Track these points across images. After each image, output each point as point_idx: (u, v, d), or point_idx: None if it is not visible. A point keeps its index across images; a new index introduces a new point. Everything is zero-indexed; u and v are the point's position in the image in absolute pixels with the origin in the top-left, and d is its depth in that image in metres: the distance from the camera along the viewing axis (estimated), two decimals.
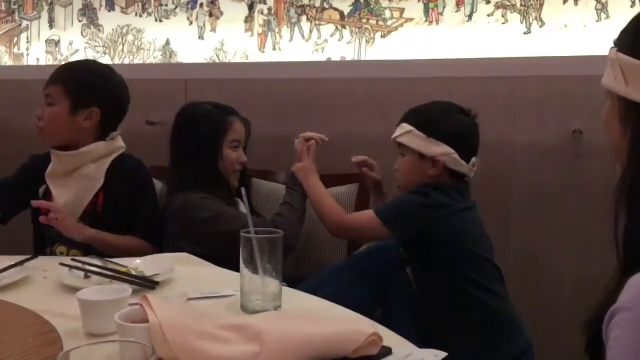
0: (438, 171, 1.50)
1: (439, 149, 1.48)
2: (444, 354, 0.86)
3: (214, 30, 2.58)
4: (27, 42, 3.01)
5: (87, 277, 1.19)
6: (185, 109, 1.74)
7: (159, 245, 1.60)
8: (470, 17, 2.11)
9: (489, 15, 2.09)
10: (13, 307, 1.02)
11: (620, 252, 0.69)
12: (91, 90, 1.60)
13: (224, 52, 2.56)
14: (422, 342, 0.92)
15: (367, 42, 2.29)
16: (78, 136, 1.59)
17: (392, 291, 1.49)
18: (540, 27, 2.03)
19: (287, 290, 1.09)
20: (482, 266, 1.47)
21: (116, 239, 1.54)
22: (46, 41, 2.97)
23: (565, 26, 2.00)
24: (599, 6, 1.95)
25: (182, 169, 1.66)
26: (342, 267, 1.52)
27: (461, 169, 1.50)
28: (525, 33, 2.05)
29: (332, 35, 2.35)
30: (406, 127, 1.52)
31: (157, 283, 1.15)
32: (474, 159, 1.51)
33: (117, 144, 1.65)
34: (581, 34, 1.97)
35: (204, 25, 2.60)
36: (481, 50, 2.08)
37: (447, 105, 1.54)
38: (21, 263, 1.24)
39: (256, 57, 2.48)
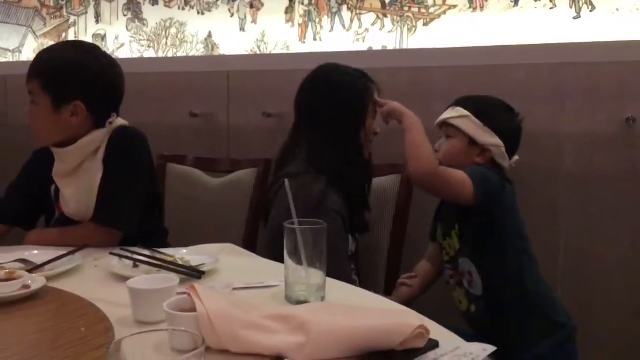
0: (484, 160, 1.52)
1: (492, 140, 1.51)
2: (493, 348, 0.84)
3: (254, 21, 2.59)
4: (75, 36, 3.09)
5: (135, 266, 1.21)
6: (325, 70, 1.58)
7: (123, 232, 1.42)
8: (516, 2, 2.05)
9: (536, 0, 2.02)
10: (68, 295, 1.05)
11: None
12: (69, 83, 1.43)
13: (265, 43, 2.56)
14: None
15: (409, 30, 2.25)
16: (70, 133, 1.44)
17: None
18: (591, 11, 1.96)
19: (331, 282, 1.08)
20: (530, 248, 1.51)
21: (61, 232, 1.44)
22: (93, 36, 3.05)
23: (617, 10, 1.92)
24: None
25: (317, 138, 1.51)
26: None
27: (504, 163, 1.54)
28: (574, 18, 1.98)
29: (373, 24, 2.32)
30: (462, 111, 1.53)
31: (203, 272, 1.16)
32: (515, 157, 1.57)
33: (116, 126, 1.48)
34: (634, 18, 1.89)
35: (245, 17, 2.61)
36: (528, 36, 2.02)
37: (501, 102, 1.58)
38: (72, 252, 1.28)
39: (297, 47, 2.48)
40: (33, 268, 1.18)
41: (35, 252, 1.31)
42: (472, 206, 1.43)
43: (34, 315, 0.97)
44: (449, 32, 2.16)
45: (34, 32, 3.25)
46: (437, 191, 1.50)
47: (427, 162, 1.44)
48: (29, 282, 1.05)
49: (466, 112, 1.52)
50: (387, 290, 1.73)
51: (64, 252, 1.26)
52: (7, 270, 1.07)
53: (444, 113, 1.57)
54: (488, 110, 1.53)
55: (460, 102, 1.56)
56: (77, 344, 0.82)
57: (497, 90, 1.63)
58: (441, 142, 1.57)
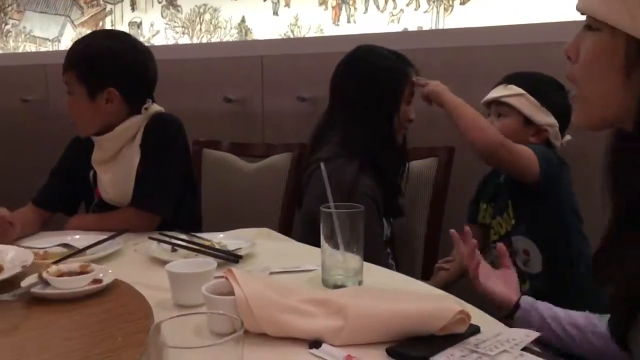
0: (539, 140, 1.48)
1: (548, 119, 1.47)
2: (536, 334, 0.82)
3: (287, 5, 2.57)
4: (112, 25, 3.13)
5: (174, 250, 1.23)
6: (362, 52, 1.55)
7: (162, 216, 1.46)
8: None
9: None
10: (130, 294, 0.99)
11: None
12: (100, 71, 1.46)
13: (298, 27, 2.54)
14: None
15: (445, 10, 2.20)
16: (107, 120, 1.48)
17: None
18: None
19: (368, 266, 1.07)
20: (582, 229, 1.48)
21: (101, 217, 1.48)
22: (129, 24, 3.08)
23: None
24: None
25: (351, 121, 1.49)
26: None
27: (556, 143, 1.50)
28: None
29: (408, 5, 2.27)
30: (516, 89, 1.48)
31: (240, 257, 1.17)
32: (567, 137, 1.53)
33: (152, 111, 1.50)
34: None
35: (278, 1, 2.59)
36: (570, 12, 1.94)
37: (552, 78, 1.51)
38: (113, 237, 1.30)
39: (331, 30, 2.45)
40: (75, 252, 1.21)
41: (77, 236, 1.34)
42: (532, 184, 1.39)
43: (89, 315, 0.93)
44: (487, 10, 2.10)
45: (72, 22, 3.31)
46: (502, 164, 1.42)
47: (493, 132, 1.39)
48: (100, 275, 1.02)
49: (521, 90, 1.47)
50: (425, 275, 1.71)
51: (105, 237, 1.29)
52: (81, 264, 1.05)
53: (494, 90, 1.52)
54: (542, 87, 1.48)
55: (512, 79, 1.50)
56: (106, 355, 0.77)
57: (539, 70, 1.57)
58: (491, 121, 1.50)
